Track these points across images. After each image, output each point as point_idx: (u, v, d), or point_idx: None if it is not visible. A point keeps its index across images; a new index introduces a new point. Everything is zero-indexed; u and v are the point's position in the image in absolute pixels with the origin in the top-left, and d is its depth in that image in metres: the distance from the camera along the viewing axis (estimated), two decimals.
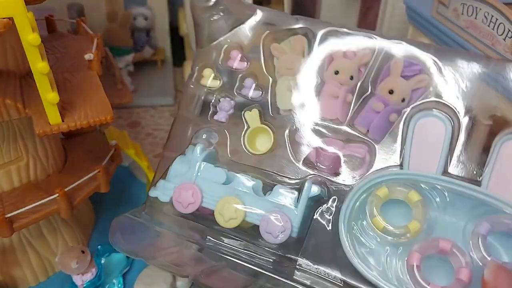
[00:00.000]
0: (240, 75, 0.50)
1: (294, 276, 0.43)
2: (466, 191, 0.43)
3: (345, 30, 0.47)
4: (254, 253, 0.45)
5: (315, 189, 0.45)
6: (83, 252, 0.58)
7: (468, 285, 0.39)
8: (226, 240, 0.46)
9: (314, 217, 0.46)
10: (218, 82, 0.51)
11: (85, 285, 0.59)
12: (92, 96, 0.53)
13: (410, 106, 0.46)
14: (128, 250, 0.49)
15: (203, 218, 0.48)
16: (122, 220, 0.49)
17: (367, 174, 0.45)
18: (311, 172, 0.47)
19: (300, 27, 0.49)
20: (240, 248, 0.45)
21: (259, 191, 0.46)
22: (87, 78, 0.56)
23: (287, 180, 0.48)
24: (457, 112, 0.48)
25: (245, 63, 0.50)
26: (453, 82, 0.46)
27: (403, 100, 0.45)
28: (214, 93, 0.51)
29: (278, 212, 0.43)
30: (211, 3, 0.51)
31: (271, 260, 0.44)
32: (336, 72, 0.45)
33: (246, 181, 0.46)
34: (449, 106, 0.47)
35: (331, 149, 0.46)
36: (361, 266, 0.42)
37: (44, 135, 0.50)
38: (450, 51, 0.48)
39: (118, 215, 0.73)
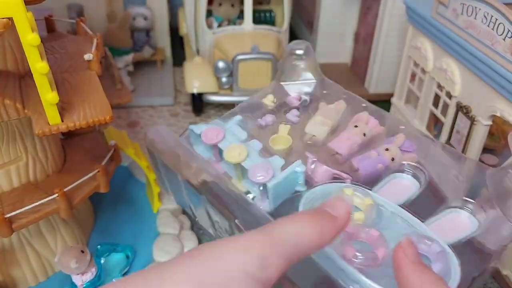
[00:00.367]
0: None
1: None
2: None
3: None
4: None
5: (300, 167, 0.50)
6: (82, 252, 0.58)
7: (380, 262, 0.41)
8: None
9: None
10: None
11: (84, 285, 0.59)
12: (91, 96, 0.53)
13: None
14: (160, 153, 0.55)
15: None
16: (161, 129, 0.58)
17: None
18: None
19: (345, 97, 0.66)
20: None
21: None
22: (86, 78, 0.57)
23: None
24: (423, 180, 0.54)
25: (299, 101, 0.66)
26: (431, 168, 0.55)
27: (392, 159, 0.55)
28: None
29: (267, 164, 0.49)
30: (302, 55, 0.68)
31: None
32: (356, 126, 0.59)
33: (257, 145, 0.53)
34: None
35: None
36: None
37: (43, 135, 0.50)
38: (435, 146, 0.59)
39: (118, 215, 0.74)
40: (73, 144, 0.68)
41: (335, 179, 0.53)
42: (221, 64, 0.98)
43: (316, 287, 0.41)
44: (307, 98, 0.66)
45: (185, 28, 1.26)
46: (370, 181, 0.53)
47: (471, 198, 0.50)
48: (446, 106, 0.83)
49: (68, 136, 0.69)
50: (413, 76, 0.96)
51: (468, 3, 0.73)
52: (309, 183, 0.52)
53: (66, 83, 0.55)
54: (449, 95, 0.81)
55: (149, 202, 0.77)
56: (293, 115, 0.63)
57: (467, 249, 0.46)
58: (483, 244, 0.47)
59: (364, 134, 0.58)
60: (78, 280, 0.59)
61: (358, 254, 0.41)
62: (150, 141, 0.55)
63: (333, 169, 0.53)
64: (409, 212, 0.48)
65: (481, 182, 0.51)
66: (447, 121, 0.83)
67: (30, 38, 0.42)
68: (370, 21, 1.17)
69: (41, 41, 0.44)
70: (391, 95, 1.06)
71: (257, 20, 1.20)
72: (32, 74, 0.45)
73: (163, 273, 0.26)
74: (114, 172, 0.64)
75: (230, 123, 0.57)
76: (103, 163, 0.60)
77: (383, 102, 1.15)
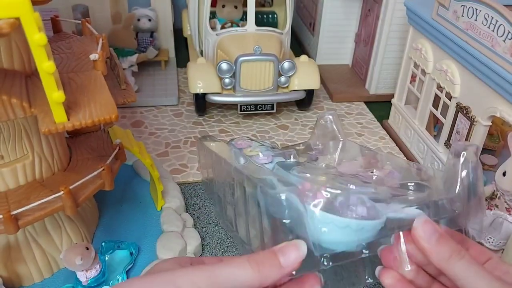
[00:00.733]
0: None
1: None
2: None
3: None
4: None
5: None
6: (87, 248, 0.59)
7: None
8: None
9: None
10: None
11: (89, 282, 0.60)
12: (97, 96, 0.54)
13: None
14: None
15: None
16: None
17: None
18: None
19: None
20: None
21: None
22: (92, 78, 0.57)
23: None
24: None
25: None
26: None
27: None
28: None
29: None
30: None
31: None
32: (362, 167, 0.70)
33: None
34: None
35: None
36: None
37: (50, 134, 0.51)
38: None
39: (122, 212, 0.75)
40: (78, 143, 0.69)
41: None
42: (224, 65, 0.98)
43: None
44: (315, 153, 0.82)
45: (188, 29, 1.27)
46: None
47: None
48: (446, 107, 0.84)
49: (74, 135, 0.70)
50: (413, 77, 0.96)
51: (469, 4, 0.74)
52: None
53: (72, 83, 0.56)
54: (449, 96, 0.82)
55: (153, 200, 0.78)
56: (313, 155, 0.80)
57: None
58: None
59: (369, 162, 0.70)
60: (82, 276, 0.60)
61: None
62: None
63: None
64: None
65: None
66: (447, 121, 0.83)
67: (37, 38, 0.43)
68: (371, 22, 1.17)
69: (48, 41, 0.44)
70: (392, 96, 1.07)
71: (259, 22, 1.21)
72: (38, 74, 0.46)
73: None
74: (118, 171, 0.64)
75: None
76: (108, 162, 0.61)
77: (383, 103, 1.17)
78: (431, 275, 0.41)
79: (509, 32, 0.65)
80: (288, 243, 0.37)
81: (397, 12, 1.06)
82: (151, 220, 0.74)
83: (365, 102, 1.20)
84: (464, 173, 0.48)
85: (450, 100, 0.82)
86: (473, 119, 0.75)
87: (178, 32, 1.37)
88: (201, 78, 1.02)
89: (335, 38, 1.31)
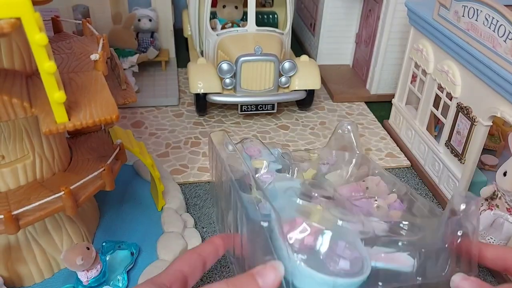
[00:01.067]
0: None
1: None
2: None
3: None
4: None
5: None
6: (88, 248, 0.59)
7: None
8: None
9: None
10: None
11: (90, 282, 0.60)
12: (97, 96, 0.54)
13: None
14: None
15: None
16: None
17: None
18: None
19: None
20: None
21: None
22: (93, 78, 0.57)
23: None
24: None
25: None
26: None
27: (377, 207, 0.64)
28: None
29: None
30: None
31: None
32: (366, 188, 0.71)
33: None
34: None
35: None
36: None
37: (50, 134, 0.51)
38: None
39: (122, 213, 0.75)
40: (79, 143, 0.69)
41: None
42: (224, 66, 0.98)
43: None
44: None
45: (189, 29, 1.27)
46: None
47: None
48: (446, 107, 0.83)
49: (74, 135, 0.70)
50: (414, 77, 0.96)
51: (470, 5, 0.74)
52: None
53: (72, 83, 0.56)
54: (449, 96, 0.82)
55: (153, 200, 0.78)
56: (324, 166, 0.80)
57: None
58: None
59: (367, 188, 0.71)
60: (83, 276, 0.60)
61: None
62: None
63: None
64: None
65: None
66: (448, 122, 0.83)
67: (38, 38, 0.43)
68: (371, 23, 1.17)
69: (48, 41, 0.44)
70: (392, 96, 1.07)
71: (260, 22, 1.21)
72: (39, 74, 0.46)
73: None
74: (119, 171, 0.64)
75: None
76: (108, 162, 0.61)
77: (384, 103, 1.17)
78: None
79: (510, 32, 0.65)
80: (265, 265, 0.37)
81: (398, 12, 1.06)
82: (152, 220, 0.74)
83: (366, 102, 1.20)
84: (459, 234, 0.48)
85: (450, 100, 0.82)
86: (474, 119, 0.75)
87: (178, 33, 1.37)
88: (201, 78, 1.02)
89: (336, 38, 1.31)
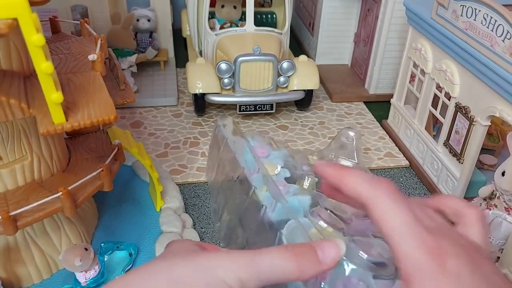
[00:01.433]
0: None
1: None
2: None
3: None
4: None
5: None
6: (86, 249, 0.59)
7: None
8: None
9: None
10: None
11: (88, 282, 0.60)
12: (95, 96, 0.54)
13: None
14: None
15: None
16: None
17: None
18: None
19: None
20: None
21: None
22: (91, 78, 0.57)
23: None
24: None
25: None
26: None
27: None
28: None
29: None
30: None
31: None
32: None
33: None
34: None
35: None
36: None
37: (48, 135, 0.51)
38: None
39: (121, 213, 0.75)
40: (77, 144, 0.69)
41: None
42: (223, 66, 0.98)
43: None
44: None
45: (187, 29, 1.27)
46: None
47: None
48: (445, 107, 0.84)
49: (73, 136, 0.70)
50: (412, 77, 0.96)
51: (468, 4, 0.74)
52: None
53: (70, 83, 0.56)
54: (448, 96, 0.82)
55: (152, 201, 0.77)
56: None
57: None
58: None
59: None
60: (81, 277, 0.60)
61: None
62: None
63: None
64: None
65: None
66: (446, 121, 0.83)
67: (35, 39, 0.43)
68: (370, 22, 1.17)
69: (46, 42, 0.44)
70: (391, 96, 1.07)
71: (258, 22, 1.21)
72: (37, 74, 0.46)
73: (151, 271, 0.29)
74: (117, 171, 0.64)
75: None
76: (107, 162, 0.61)
77: (382, 102, 1.17)
78: None
79: (508, 31, 0.65)
80: (326, 240, 0.35)
81: (397, 12, 1.06)
82: (150, 220, 0.74)
83: (365, 102, 1.20)
84: None
85: (449, 100, 0.82)
86: (472, 119, 0.75)
87: (177, 33, 1.37)
88: (200, 78, 1.02)
89: (335, 38, 1.31)
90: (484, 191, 0.71)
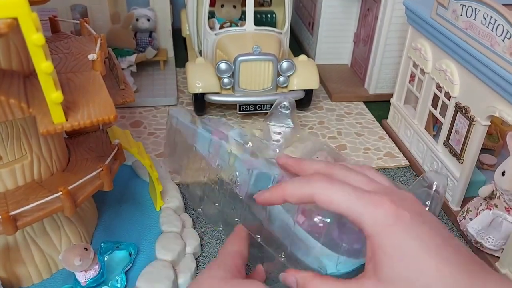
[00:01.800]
0: None
1: None
2: None
3: None
4: None
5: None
6: (86, 249, 0.59)
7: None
8: None
9: None
10: None
11: (88, 282, 0.60)
12: (95, 96, 0.54)
13: None
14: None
15: None
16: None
17: None
18: None
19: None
20: None
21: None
22: (90, 78, 0.57)
23: None
24: None
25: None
26: None
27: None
28: None
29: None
30: None
31: None
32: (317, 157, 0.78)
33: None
34: None
35: None
36: None
37: (48, 134, 0.51)
38: None
39: (121, 213, 0.75)
40: (77, 143, 0.69)
41: None
42: (223, 65, 0.98)
43: None
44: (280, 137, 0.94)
45: (187, 29, 1.27)
46: None
47: None
48: (445, 107, 0.84)
49: (72, 135, 0.70)
50: (412, 77, 0.96)
51: (468, 4, 0.74)
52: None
53: (70, 83, 0.55)
54: (448, 96, 0.82)
55: (152, 200, 0.77)
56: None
57: None
58: None
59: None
60: (81, 277, 0.60)
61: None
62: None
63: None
64: None
65: None
66: (446, 121, 0.83)
67: (34, 38, 0.43)
68: (370, 22, 1.17)
69: (46, 41, 0.44)
70: (391, 95, 1.07)
71: (258, 21, 1.21)
72: (36, 74, 0.46)
73: None
74: (117, 171, 0.64)
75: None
76: (106, 162, 0.61)
77: (382, 102, 1.17)
78: None
79: (508, 31, 0.65)
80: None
81: (396, 11, 1.06)
82: (150, 220, 0.74)
83: (364, 102, 1.20)
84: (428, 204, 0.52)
85: (449, 99, 0.82)
86: (472, 118, 0.75)
87: (177, 32, 1.37)
88: (200, 78, 1.02)
89: (334, 38, 1.31)
90: (484, 191, 0.71)
